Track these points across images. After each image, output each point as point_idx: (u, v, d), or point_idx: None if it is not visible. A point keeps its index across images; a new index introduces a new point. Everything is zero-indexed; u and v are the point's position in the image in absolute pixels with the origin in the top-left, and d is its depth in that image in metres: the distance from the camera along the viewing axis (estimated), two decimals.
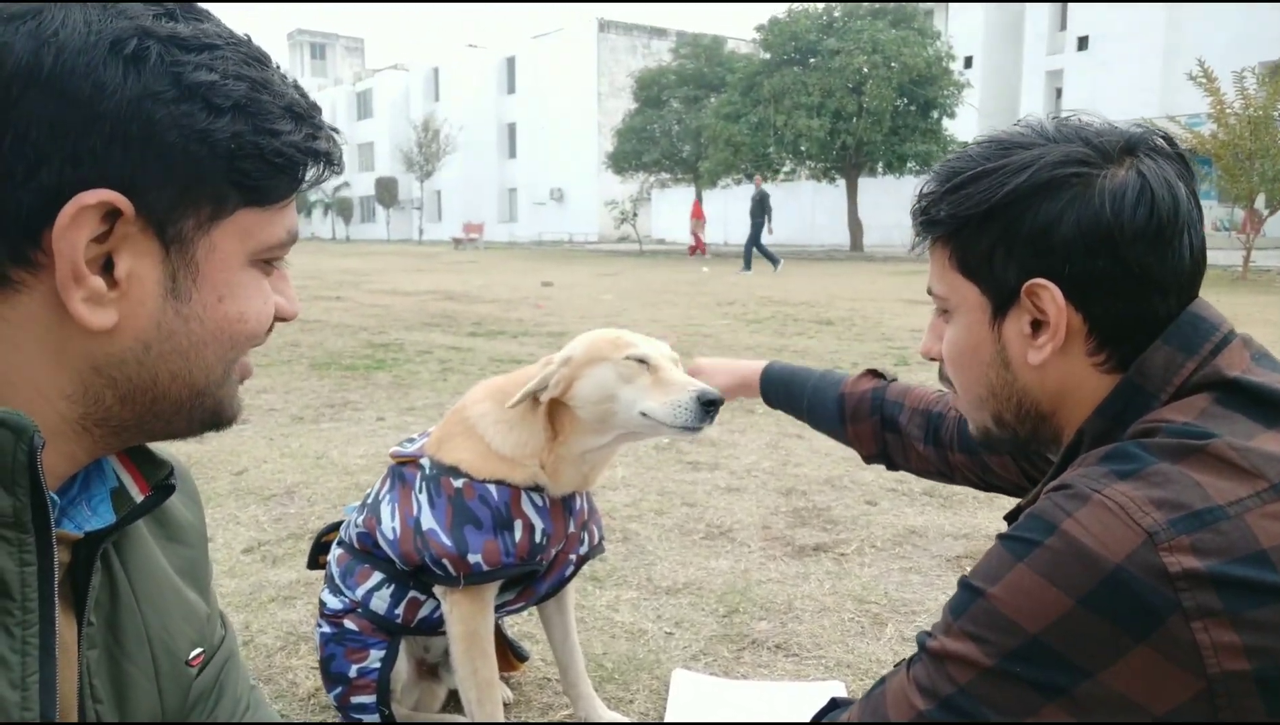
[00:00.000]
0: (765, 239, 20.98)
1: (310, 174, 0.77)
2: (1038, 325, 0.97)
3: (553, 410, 1.75)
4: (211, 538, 3.06)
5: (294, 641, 2.35)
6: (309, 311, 10.63)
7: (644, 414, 1.68)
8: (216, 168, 0.70)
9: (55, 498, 0.70)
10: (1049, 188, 0.94)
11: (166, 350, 0.72)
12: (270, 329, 0.83)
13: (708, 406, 1.64)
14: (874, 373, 1.70)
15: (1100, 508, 0.82)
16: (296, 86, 0.76)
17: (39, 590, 0.66)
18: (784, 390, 1.80)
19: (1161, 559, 0.78)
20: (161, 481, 0.84)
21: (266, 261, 0.78)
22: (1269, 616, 0.77)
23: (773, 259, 19.99)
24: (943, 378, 1.14)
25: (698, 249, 27.31)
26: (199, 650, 0.90)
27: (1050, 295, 0.94)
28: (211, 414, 0.79)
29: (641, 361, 1.70)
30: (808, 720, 1.08)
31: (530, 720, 2.03)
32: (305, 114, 0.75)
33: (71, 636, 0.77)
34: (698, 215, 28.13)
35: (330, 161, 0.78)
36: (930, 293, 1.09)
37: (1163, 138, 0.97)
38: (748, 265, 20.20)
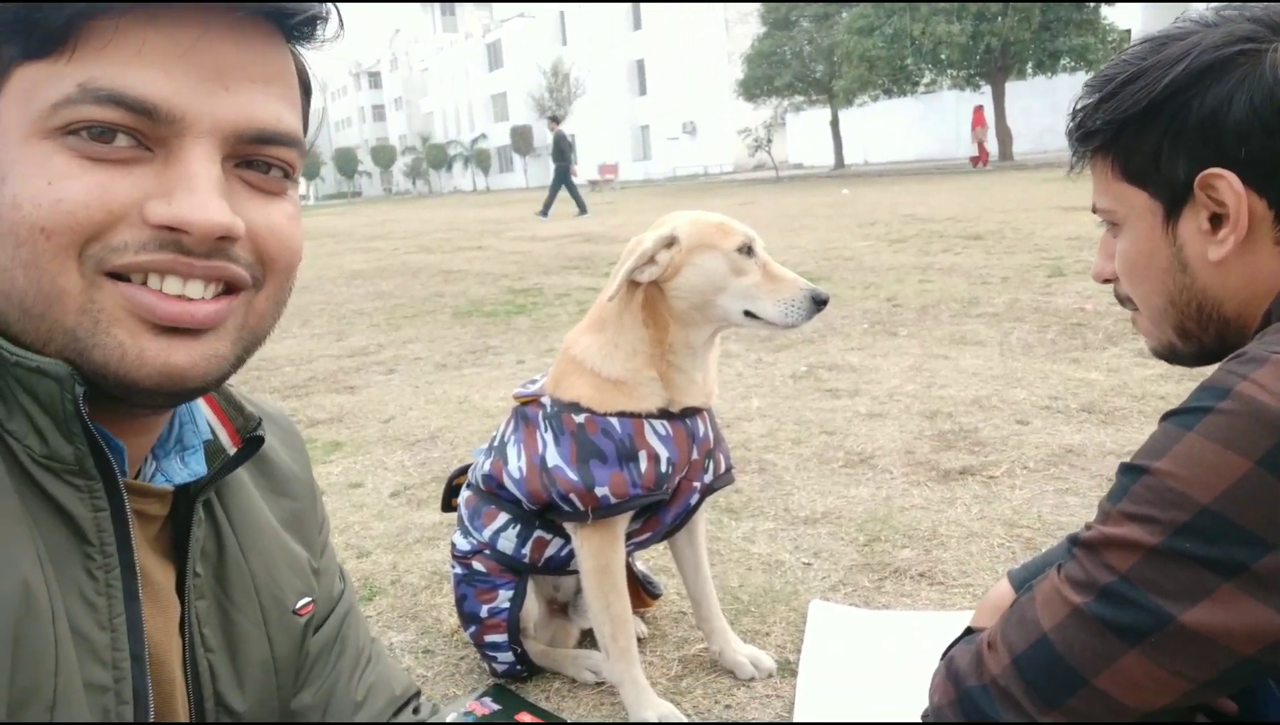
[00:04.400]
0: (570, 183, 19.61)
1: None
2: (1216, 219, 0.90)
3: (646, 308, 1.70)
4: (361, 483, 3.20)
5: (437, 580, 2.41)
6: (451, 262, 10.92)
7: (749, 314, 1.67)
8: None
9: (120, 443, 0.69)
10: (1213, 70, 0.87)
11: None
12: (165, 242, 0.62)
13: (819, 304, 1.66)
14: None
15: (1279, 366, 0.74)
16: None
17: (115, 534, 0.67)
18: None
19: None
20: (250, 433, 0.83)
21: (75, 133, 0.60)
22: None
23: (580, 203, 18.86)
24: (1120, 299, 1.06)
25: (980, 160, 25.30)
26: (307, 599, 0.90)
27: (1227, 184, 0.87)
28: (77, 358, 0.62)
29: (750, 252, 1.67)
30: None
31: (657, 677, 2.03)
32: None
33: (169, 584, 0.77)
34: (979, 123, 26.19)
35: None
36: (1095, 210, 1.03)
37: None
38: (545, 211, 18.66)
